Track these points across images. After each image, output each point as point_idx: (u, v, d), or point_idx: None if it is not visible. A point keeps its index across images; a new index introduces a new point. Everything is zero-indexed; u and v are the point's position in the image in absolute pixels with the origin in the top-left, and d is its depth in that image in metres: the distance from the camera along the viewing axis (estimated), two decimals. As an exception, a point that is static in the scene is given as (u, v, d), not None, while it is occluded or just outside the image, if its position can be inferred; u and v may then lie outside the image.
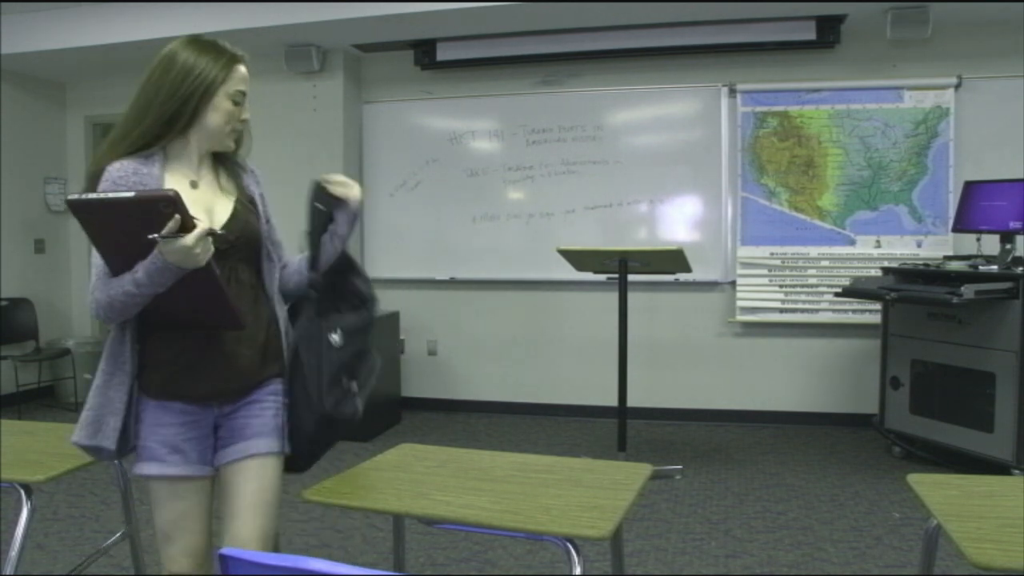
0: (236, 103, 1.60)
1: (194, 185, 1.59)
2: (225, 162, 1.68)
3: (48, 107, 5.63)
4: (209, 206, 1.59)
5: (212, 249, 1.38)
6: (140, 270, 1.38)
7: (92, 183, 1.52)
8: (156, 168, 1.54)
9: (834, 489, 3.49)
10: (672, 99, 4.76)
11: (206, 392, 1.53)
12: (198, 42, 1.58)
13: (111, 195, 1.36)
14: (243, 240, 1.60)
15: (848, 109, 4.46)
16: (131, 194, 1.33)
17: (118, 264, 1.42)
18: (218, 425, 1.57)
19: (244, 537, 1.53)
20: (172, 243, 1.32)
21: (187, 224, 1.32)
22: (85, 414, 1.53)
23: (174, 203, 1.30)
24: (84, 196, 1.35)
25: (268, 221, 1.70)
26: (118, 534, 2.25)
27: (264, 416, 1.59)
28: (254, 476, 1.56)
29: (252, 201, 1.68)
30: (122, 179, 1.49)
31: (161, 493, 1.54)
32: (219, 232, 1.42)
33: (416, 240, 5.12)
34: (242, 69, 1.61)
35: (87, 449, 1.54)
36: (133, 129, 1.54)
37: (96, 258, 1.47)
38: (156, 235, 1.31)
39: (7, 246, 5.28)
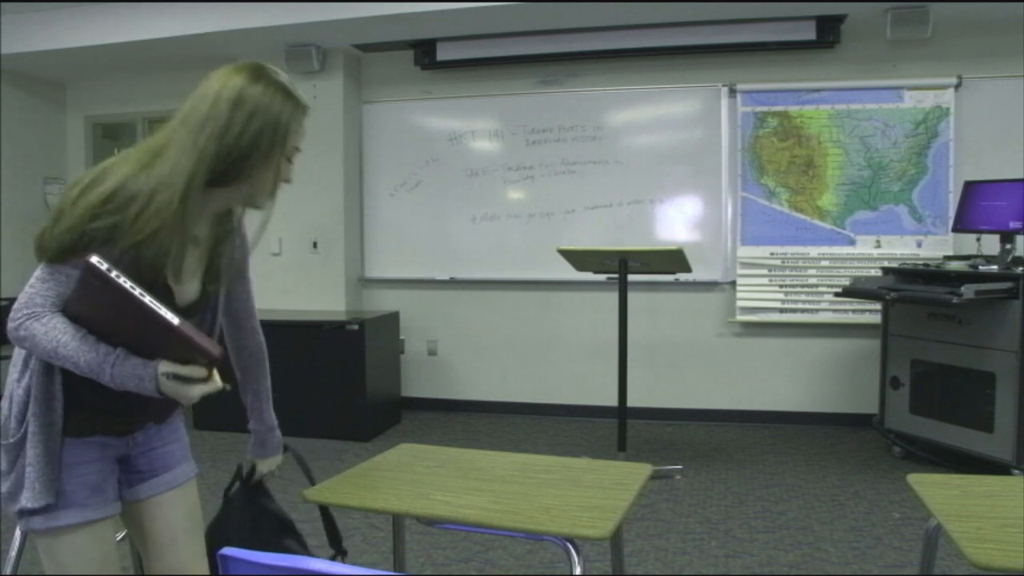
0: (290, 160, 1.38)
1: (195, 242, 1.37)
2: (226, 218, 1.45)
3: (48, 107, 5.63)
4: (193, 268, 1.39)
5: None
6: (117, 367, 1.20)
7: (103, 207, 1.23)
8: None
9: (834, 489, 3.49)
10: (672, 99, 4.76)
11: (132, 423, 1.40)
12: (264, 74, 1.32)
13: (145, 299, 1.15)
14: (203, 315, 1.46)
15: (848, 109, 4.46)
16: (175, 321, 1.14)
17: (91, 328, 1.23)
18: (129, 456, 1.42)
19: (186, 561, 1.48)
20: (174, 384, 1.20)
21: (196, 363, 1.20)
22: (33, 471, 1.27)
23: (209, 356, 1.17)
24: (110, 272, 1.14)
25: (238, 279, 1.54)
26: (119, 534, 2.25)
27: (179, 440, 1.52)
28: (182, 502, 1.49)
29: (227, 268, 1.46)
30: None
31: (80, 543, 1.34)
32: (227, 388, 1.26)
33: (416, 240, 5.12)
34: (305, 120, 1.38)
35: (35, 512, 1.29)
36: (171, 167, 1.26)
37: (54, 275, 1.24)
38: (164, 369, 1.19)
39: (7, 246, 5.28)
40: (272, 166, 1.32)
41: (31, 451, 1.27)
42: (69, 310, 1.24)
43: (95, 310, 1.22)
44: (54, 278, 1.24)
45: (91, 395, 1.30)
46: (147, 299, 1.14)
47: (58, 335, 1.22)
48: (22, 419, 1.29)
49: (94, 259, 1.14)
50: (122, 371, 1.20)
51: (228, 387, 1.26)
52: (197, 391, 1.21)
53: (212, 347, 1.17)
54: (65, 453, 1.30)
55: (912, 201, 4.43)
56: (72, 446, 1.32)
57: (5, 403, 1.33)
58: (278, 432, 1.69)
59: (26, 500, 1.27)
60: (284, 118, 1.31)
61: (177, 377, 1.19)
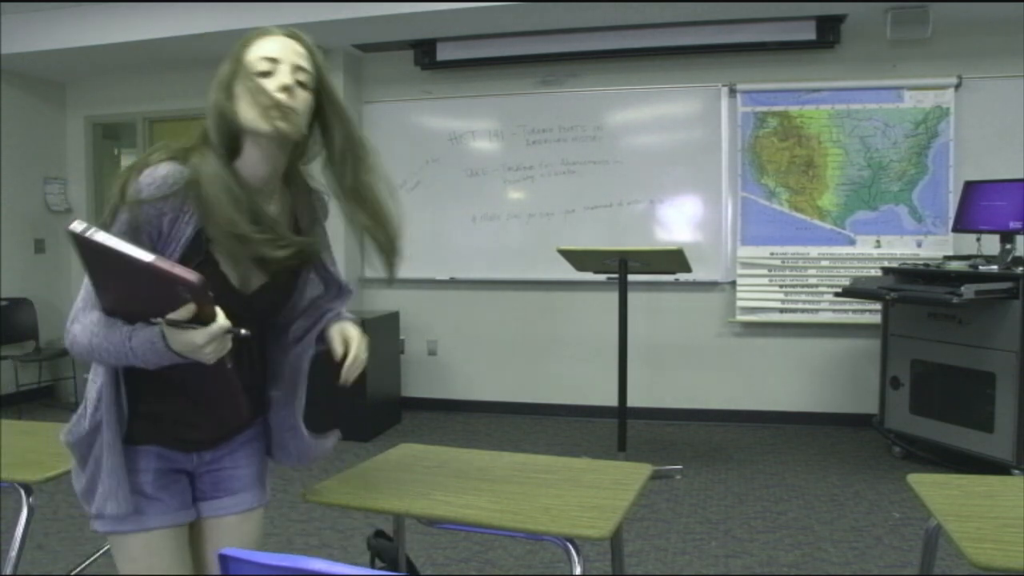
0: (264, 73, 1.31)
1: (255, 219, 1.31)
2: (293, 182, 1.40)
3: (48, 107, 5.63)
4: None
5: (228, 347, 1.16)
6: (133, 339, 1.17)
7: (121, 186, 1.25)
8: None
9: (834, 489, 3.49)
10: (672, 99, 4.76)
11: (193, 440, 1.37)
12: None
13: (124, 248, 1.07)
14: (270, 309, 1.39)
15: (848, 109, 4.46)
16: (149, 259, 1.06)
17: (110, 303, 1.21)
18: (196, 474, 1.41)
19: None
20: (179, 333, 1.12)
21: (204, 314, 1.11)
22: (113, 480, 1.31)
23: (195, 290, 1.07)
24: (89, 233, 1.08)
25: (318, 267, 1.47)
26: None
27: (252, 466, 1.46)
28: (238, 531, 1.42)
29: (304, 247, 1.40)
30: (150, 186, 1.23)
31: (132, 547, 1.35)
32: (242, 333, 1.15)
33: (416, 240, 5.07)
34: (269, 38, 1.36)
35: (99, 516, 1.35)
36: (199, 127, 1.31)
37: (87, 281, 1.24)
38: (162, 319, 1.12)
39: (7, 246, 5.28)
40: (245, 93, 1.29)
41: (108, 460, 1.32)
42: (99, 301, 1.23)
43: (105, 285, 1.19)
44: (85, 287, 1.25)
45: (158, 404, 1.33)
46: (123, 245, 1.08)
47: (92, 327, 1.22)
48: (94, 422, 1.34)
49: (74, 224, 1.08)
50: (139, 343, 1.17)
51: (244, 332, 1.15)
52: (200, 337, 1.11)
53: (188, 274, 1.07)
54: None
55: (912, 201, 4.43)
56: (127, 452, 1.33)
57: (84, 402, 1.38)
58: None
59: (100, 507, 1.34)
60: (235, 49, 1.35)
61: (177, 328, 1.12)
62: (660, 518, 3.14)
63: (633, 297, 3.76)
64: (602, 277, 3.98)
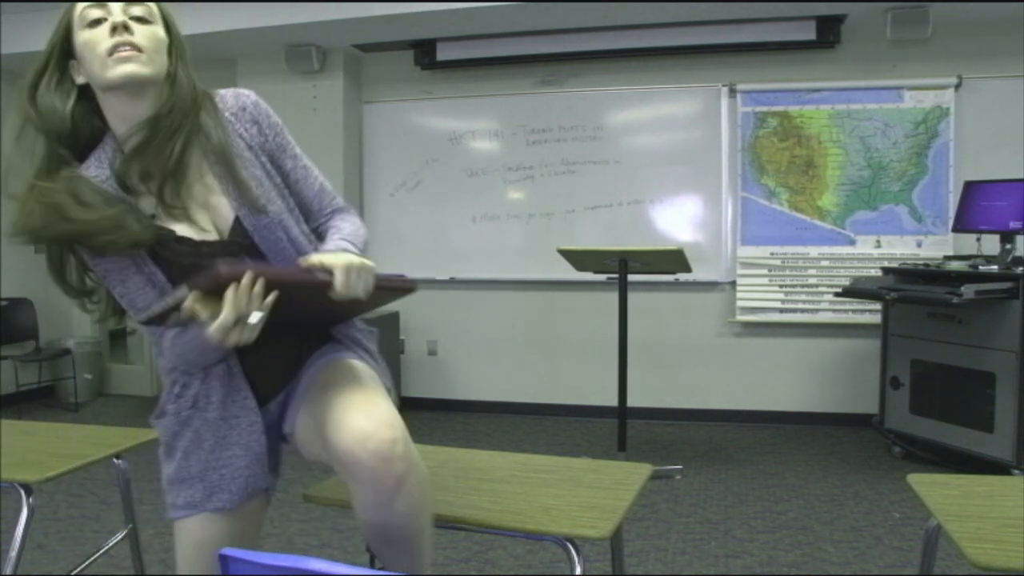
0: (94, 22, 1.23)
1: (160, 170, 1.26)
2: (187, 125, 1.27)
3: (48, 107, 5.61)
4: (198, 196, 1.28)
5: (248, 333, 1.15)
6: (170, 341, 1.26)
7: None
8: (106, 170, 1.25)
9: (834, 489, 3.49)
10: (672, 99, 4.76)
11: (265, 389, 1.41)
12: None
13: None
14: (254, 245, 1.32)
15: (848, 109, 4.46)
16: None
17: (143, 301, 1.26)
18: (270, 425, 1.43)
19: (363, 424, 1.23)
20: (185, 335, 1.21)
21: (209, 306, 1.12)
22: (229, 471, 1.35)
23: (197, 284, 1.11)
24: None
25: (283, 177, 1.37)
26: (119, 534, 2.25)
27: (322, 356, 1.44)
28: (324, 371, 1.39)
29: (253, 164, 1.31)
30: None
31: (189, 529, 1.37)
32: (255, 320, 1.14)
33: (416, 240, 5.11)
34: None
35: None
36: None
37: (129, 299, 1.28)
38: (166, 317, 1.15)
39: (7, 246, 5.26)
40: (78, 45, 1.24)
41: (202, 445, 1.36)
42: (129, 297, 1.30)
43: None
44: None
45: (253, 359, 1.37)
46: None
47: (176, 345, 1.30)
48: (176, 408, 1.37)
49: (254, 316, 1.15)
50: (182, 340, 1.25)
51: (257, 316, 1.14)
52: (216, 335, 1.13)
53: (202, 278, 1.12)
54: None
55: (912, 201, 4.43)
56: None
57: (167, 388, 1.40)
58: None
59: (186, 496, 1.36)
60: (60, 24, 1.27)
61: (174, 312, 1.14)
62: (660, 518, 3.14)
63: (633, 297, 3.76)
64: (602, 277, 3.98)
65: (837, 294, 4.12)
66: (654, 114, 4.80)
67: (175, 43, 1.33)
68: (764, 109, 4.58)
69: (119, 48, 1.21)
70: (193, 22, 4.46)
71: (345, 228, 1.42)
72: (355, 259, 1.24)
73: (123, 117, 1.26)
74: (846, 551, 2.79)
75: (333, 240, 1.37)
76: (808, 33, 4.44)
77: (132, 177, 1.26)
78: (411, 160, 5.07)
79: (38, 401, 5.36)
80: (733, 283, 4.68)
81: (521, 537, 1.51)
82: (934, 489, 1.57)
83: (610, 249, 3.79)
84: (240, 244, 1.31)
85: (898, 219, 4.44)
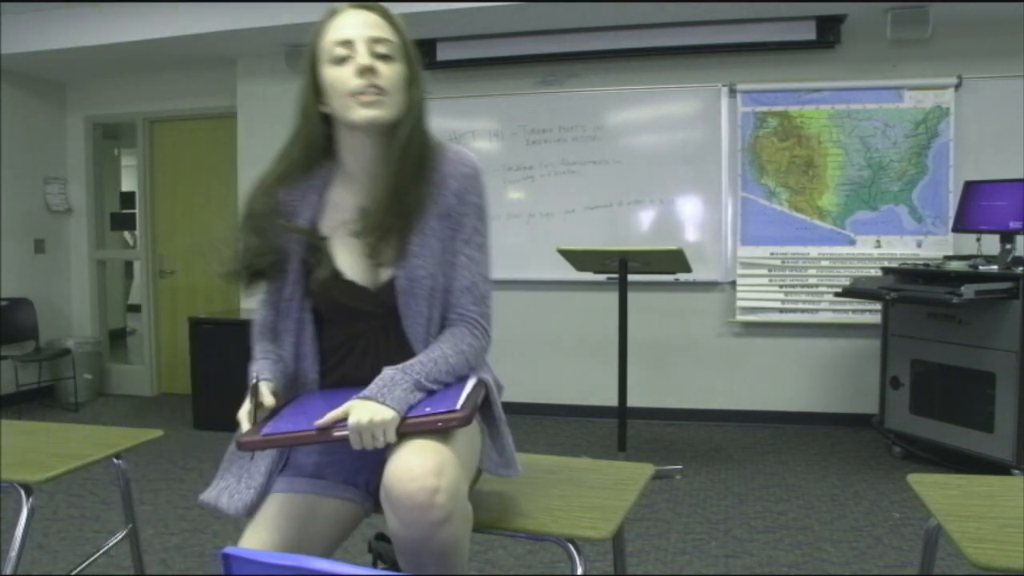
0: (340, 59, 1.28)
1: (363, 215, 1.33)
2: (405, 172, 1.33)
3: (48, 107, 5.63)
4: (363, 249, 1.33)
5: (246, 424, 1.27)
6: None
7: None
8: (315, 196, 1.35)
9: (834, 489, 3.49)
10: (672, 99, 4.76)
11: None
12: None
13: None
14: (396, 308, 1.35)
15: (848, 109, 4.46)
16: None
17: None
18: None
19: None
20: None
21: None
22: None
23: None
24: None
25: (457, 255, 1.37)
26: (119, 534, 2.25)
27: None
28: None
29: (433, 234, 1.35)
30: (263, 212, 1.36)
31: None
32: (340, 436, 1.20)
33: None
34: (340, 16, 1.31)
35: None
36: (282, 156, 1.38)
37: None
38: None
39: (7, 246, 5.28)
40: (328, 87, 1.30)
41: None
42: None
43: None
44: None
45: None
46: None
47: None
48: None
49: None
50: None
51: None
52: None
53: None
54: None
55: (912, 201, 4.43)
56: None
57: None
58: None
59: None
60: (311, 42, 1.32)
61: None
62: (660, 518, 3.14)
63: (633, 297, 3.76)
64: (602, 277, 3.98)
65: (837, 294, 4.12)
66: (654, 114, 4.80)
67: (415, 77, 1.38)
68: (764, 109, 4.58)
69: (364, 91, 1.27)
70: (193, 22, 4.48)
71: (440, 350, 1.35)
72: (365, 419, 1.20)
73: (354, 150, 1.35)
74: (846, 551, 2.79)
75: (405, 366, 1.30)
76: (808, 33, 4.44)
77: (339, 203, 1.36)
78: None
79: (38, 401, 5.36)
80: (733, 283, 4.68)
81: (522, 537, 1.51)
82: (934, 489, 1.57)
83: (610, 249, 3.79)
84: (385, 303, 1.35)
85: (898, 219, 4.45)
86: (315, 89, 1.31)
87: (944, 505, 1.48)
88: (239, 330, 4.57)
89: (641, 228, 4.79)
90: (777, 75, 4.59)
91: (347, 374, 1.39)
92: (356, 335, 1.39)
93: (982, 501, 1.52)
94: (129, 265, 6.65)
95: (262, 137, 5.07)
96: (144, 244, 5.72)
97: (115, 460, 1.99)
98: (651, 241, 4.72)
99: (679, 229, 4.76)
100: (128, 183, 6.38)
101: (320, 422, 1.22)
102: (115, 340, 6.23)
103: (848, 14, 4.30)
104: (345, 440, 1.22)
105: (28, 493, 1.74)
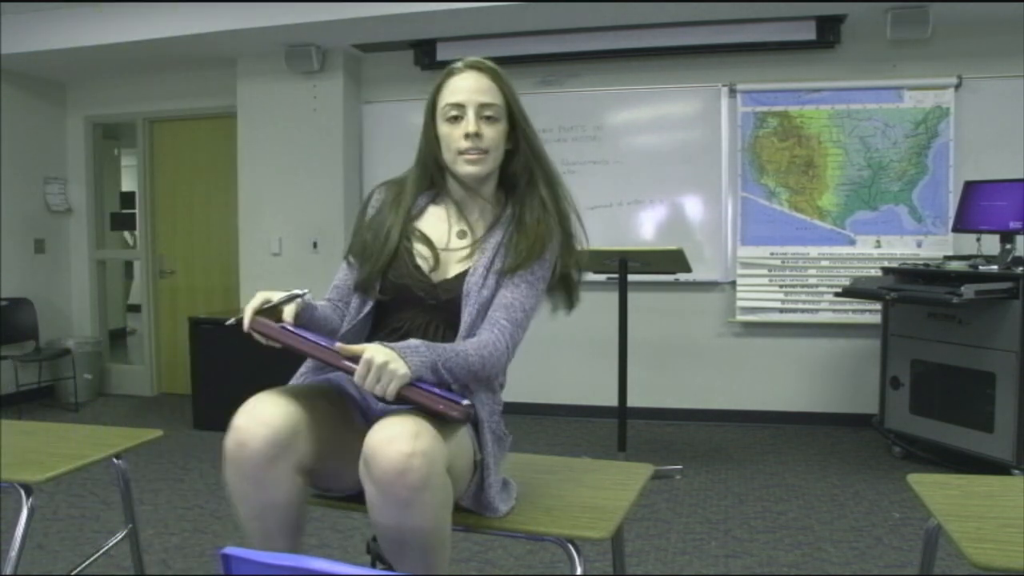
0: (453, 118, 1.55)
1: (461, 235, 1.61)
2: (497, 204, 1.65)
3: (48, 107, 5.63)
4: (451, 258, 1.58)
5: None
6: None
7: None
8: (424, 200, 1.66)
9: (834, 489, 3.49)
10: (672, 99, 4.76)
11: None
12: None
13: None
14: (449, 303, 1.55)
15: (848, 109, 4.46)
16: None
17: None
18: None
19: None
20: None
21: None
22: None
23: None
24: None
25: (502, 275, 1.59)
26: (119, 534, 2.25)
27: None
28: None
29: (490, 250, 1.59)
30: (378, 202, 1.66)
31: None
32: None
33: (416, 240, 5.10)
34: (456, 78, 1.58)
35: None
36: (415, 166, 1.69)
37: None
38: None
39: (7, 246, 5.28)
40: (441, 139, 1.57)
41: None
42: None
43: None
44: None
45: None
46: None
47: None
48: None
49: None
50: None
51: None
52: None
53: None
54: None
55: (912, 201, 4.43)
56: None
57: None
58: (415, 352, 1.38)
59: None
60: (431, 94, 1.61)
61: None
62: (660, 518, 3.14)
63: (633, 297, 3.76)
64: (602, 277, 3.98)
65: (837, 294, 4.12)
66: (654, 114, 4.80)
67: (519, 129, 1.70)
68: (764, 109, 4.58)
69: (469, 151, 1.54)
70: (193, 22, 4.48)
71: (464, 347, 1.47)
72: (381, 359, 1.29)
73: (456, 187, 1.63)
74: (846, 551, 2.79)
75: (431, 344, 1.41)
76: (808, 33, 4.44)
77: (438, 215, 1.66)
78: (411, 160, 5.03)
79: (38, 401, 5.36)
80: (733, 283, 4.68)
81: (522, 538, 1.51)
82: (934, 489, 1.57)
83: (610, 249, 3.79)
84: (449, 294, 1.55)
85: (898, 219, 4.44)
86: (435, 138, 1.59)
87: (944, 505, 1.48)
88: (239, 330, 4.57)
89: (641, 228, 4.79)
90: (777, 75, 4.59)
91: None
92: (409, 319, 1.56)
93: (982, 501, 1.52)
94: (129, 265, 6.65)
95: (262, 137, 5.07)
96: (144, 244, 5.72)
97: (115, 460, 1.99)
98: (651, 241, 4.72)
99: (679, 229, 4.76)
100: (128, 183, 6.38)
101: (340, 345, 1.35)
102: (115, 340, 6.23)
103: (848, 14, 4.30)
104: (351, 371, 1.31)
105: (28, 493, 1.74)
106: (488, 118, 1.56)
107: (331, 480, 1.46)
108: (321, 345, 1.37)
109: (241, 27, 4.45)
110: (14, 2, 4.54)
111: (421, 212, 1.65)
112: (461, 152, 1.53)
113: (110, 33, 4.63)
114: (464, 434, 1.43)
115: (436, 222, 1.63)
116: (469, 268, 1.55)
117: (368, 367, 1.29)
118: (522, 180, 1.68)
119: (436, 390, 1.34)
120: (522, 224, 1.62)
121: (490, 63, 1.61)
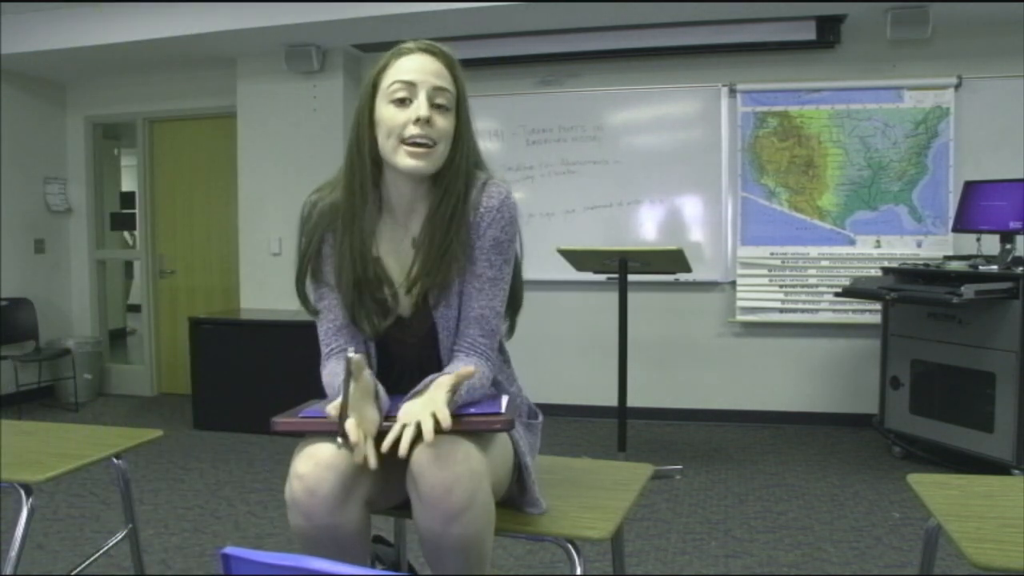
0: (400, 100, 1.32)
1: (414, 244, 1.41)
2: (445, 203, 1.38)
3: (48, 107, 5.63)
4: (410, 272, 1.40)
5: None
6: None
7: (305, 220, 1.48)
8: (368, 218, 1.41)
9: (834, 489, 3.49)
10: (672, 99, 4.76)
11: None
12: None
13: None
14: (424, 335, 1.46)
15: (848, 109, 4.46)
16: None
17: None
18: None
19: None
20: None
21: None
22: None
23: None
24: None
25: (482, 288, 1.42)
26: (119, 534, 2.25)
27: None
28: None
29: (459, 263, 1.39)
30: (318, 215, 1.45)
31: None
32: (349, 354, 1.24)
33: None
34: (407, 58, 1.34)
35: None
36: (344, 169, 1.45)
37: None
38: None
39: (7, 246, 5.28)
40: (380, 123, 1.34)
41: None
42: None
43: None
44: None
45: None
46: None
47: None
48: None
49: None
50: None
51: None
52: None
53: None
54: None
55: (912, 201, 4.43)
56: None
57: None
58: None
59: None
60: (373, 74, 1.37)
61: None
62: (660, 518, 3.14)
63: (633, 297, 3.76)
64: (602, 277, 3.98)
65: (837, 294, 4.12)
66: (654, 114, 4.80)
67: (464, 129, 1.39)
68: (764, 109, 4.58)
69: (415, 140, 1.31)
70: (193, 22, 4.48)
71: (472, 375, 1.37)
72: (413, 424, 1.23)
73: (396, 186, 1.41)
74: (846, 551, 2.79)
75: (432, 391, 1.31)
76: (808, 33, 4.44)
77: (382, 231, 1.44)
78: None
79: (38, 401, 5.36)
80: (733, 283, 4.68)
81: (522, 538, 1.51)
82: (934, 489, 1.57)
83: (610, 249, 3.79)
84: (424, 325, 1.45)
85: (898, 219, 4.44)
86: (371, 123, 1.36)
87: (944, 505, 1.48)
88: (239, 330, 4.58)
89: (641, 228, 4.79)
90: (777, 75, 4.59)
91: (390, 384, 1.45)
92: (398, 357, 1.52)
93: (982, 501, 1.52)
94: (129, 265, 6.65)
95: (262, 137, 5.07)
96: (144, 244, 5.72)
97: (115, 460, 1.99)
98: (651, 241, 4.72)
99: (679, 229, 4.76)
100: (128, 183, 6.38)
101: (387, 443, 1.24)
102: (115, 340, 6.23)
103: (848, 14, 4.30)
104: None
105: (28, 493, 1.74)
106: (440, 106, 1.33)
107: (382, 499, 1.39)
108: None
109: (241, 27, 4.45)
110: (14, 2, 4.54)
111: (372, 233, 1.43)
112: (404, 140, 1.31)
113: (110, 33, 4.63)
114: (503, 437, 1.43)
115: (392, 245, 1.45)
116: (428, 294, 1.43)
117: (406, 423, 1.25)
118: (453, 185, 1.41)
119: (472, 410, 1.35)
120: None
121: (447, 49, 1.39)
